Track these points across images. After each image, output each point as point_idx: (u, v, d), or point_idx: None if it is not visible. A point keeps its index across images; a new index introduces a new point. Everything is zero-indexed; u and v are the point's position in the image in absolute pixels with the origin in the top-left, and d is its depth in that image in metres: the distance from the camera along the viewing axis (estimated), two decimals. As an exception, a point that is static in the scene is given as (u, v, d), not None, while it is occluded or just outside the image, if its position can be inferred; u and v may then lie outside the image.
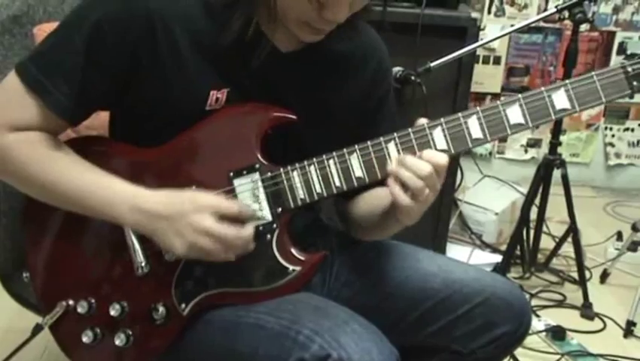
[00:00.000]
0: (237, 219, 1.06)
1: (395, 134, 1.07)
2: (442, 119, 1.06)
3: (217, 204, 1.05)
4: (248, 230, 1.06)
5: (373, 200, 1.22)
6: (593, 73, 1.04)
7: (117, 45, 1.06)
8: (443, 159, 1.03)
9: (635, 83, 1.03)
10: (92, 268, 1.16)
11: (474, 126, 1.05)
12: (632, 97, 1.05)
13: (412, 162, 1.03)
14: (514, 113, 1.05)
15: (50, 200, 1.11)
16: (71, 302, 1.16)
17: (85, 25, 1.05)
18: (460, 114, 1.05)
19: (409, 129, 1.06)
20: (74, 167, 1.09)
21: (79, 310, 1.15)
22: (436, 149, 1.05)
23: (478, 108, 1.05)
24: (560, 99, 1.04)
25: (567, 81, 1.04)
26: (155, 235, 1.07)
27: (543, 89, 1.05)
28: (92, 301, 1.15)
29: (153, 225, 1.06)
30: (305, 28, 1.07)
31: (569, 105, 1.04)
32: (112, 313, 1.13)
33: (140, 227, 1.07)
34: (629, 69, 1.03)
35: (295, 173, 1.10)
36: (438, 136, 1.06)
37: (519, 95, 1.05)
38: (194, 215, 1.03)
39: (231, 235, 1.04)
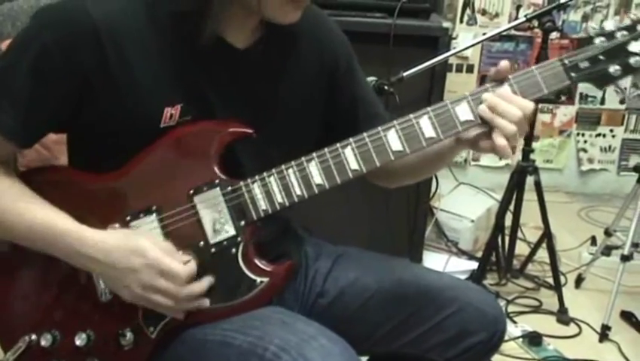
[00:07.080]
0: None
1: (351, 139, 1.09)
2: (395, 122, 1.08)
3: (167, 266, 1.03)
4: (202, 285, 1.07)
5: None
6: (533, 67, 1.09)
7: (66, 67, 1.03)
8: (531, 105, 1.07)
9: (572, 74, 1.08)
10: (53, 298, 1.12)
11: (427, 126, 1.08)
12: (565, 93, 1.09)
13: (505, 109, 1.06)
14: (463, 110, 1.09)
15: None
16: (33, 337, 1.11)
17: (32, 47, 1.03)
18: (412, 115, 1.08)
19: (364, 134, 1.08)
20: (21, 201, 1.07)
21: (43, 343, 1.11)
22: (391, 150, 1.08)
23: (429, 108, 1.09)
24: None
25: (509, 76, 1.09)
26: (102, 277, 1.08)
27: (488, 85, 1.10)
28: (56, 333, 1.11)
29: (99, 269, 1.06)
30: (289, 5, 1.06)
31: None
32: (78, 343, 1.10)
33: (86, 269, 1.07)
34: (566, 61, 1.08)
35: (255, 185, 1.09)
36: (393, 138, 1.08)
37: (467, 93, 1.09)
38: (143, 273, 1.03)
39: (184, 294, 1.05)
